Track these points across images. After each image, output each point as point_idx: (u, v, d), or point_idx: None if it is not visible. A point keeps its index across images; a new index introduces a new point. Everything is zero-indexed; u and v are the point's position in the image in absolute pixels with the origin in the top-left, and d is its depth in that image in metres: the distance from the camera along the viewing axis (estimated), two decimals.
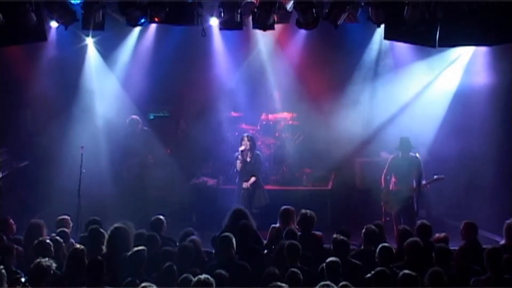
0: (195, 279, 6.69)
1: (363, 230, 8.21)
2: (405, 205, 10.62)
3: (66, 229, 8.90)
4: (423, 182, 10.57)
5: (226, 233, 7.92)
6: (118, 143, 12.43)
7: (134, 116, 12.25)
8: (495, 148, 12.06)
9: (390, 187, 10.80)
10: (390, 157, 10.89)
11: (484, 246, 7.94)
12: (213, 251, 8.56)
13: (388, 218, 10.83)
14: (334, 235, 7.90)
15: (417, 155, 10.42)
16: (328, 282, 6.49)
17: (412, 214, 10.54)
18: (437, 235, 8.30)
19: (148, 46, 13.08)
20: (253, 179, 11.36)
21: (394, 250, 7.61)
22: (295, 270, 6.97)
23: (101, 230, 8.65)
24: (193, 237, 8.22)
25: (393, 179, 10.78)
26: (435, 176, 10.68)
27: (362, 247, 8.18)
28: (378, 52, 12.38)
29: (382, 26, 9.21)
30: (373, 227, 8.29)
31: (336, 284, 6.50)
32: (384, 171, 10.90)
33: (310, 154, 12.91)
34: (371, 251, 7.75)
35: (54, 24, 9.91)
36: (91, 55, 13.13)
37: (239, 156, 11.38)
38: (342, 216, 12.08)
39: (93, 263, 7.22)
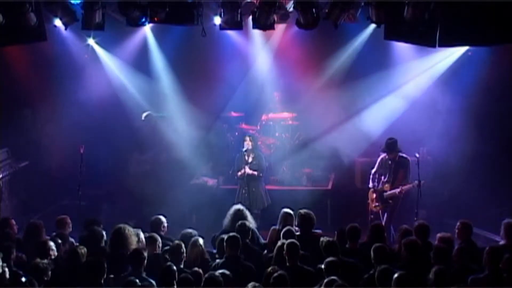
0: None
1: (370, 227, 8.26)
2: (388, 205, 10.67)
3: (66, 229, 8.90)
4: (397, 189, 10.55)
5: (233, 234, 7.94)
6: (129, 137, 12.44)
7: (149, 112, 12.20)
8: (495, 147, 12.07)
9: (379, 186, 10.82)
10: (380, 157, 10.92)
11: (483, 246, 7.95)
12: (213, 251, 8.57)
13: (372, 216, 10.89)
14: (321, 239, 7.92)
15: (417, 155, 10.40)
16: (334, 277, 6.52)
17: (391, 214, 10.62)
18: (442, 234, 8.25)
19: (148, 46, 13.08)
20: (247, 169, 11.28)
21: (387, 250, 7.60)
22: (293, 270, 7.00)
23: (100, 229, 8.67)
24: (196, 238, 8.19)
25: (382, 178, 10.81)
26: (415, 182, 10.44)
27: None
28: (377, 51, 12.37)
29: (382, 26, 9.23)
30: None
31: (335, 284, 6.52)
32: (373, 170, 10.94)
33: (310, 154, 12.93)
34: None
35: (58, 22, 9.79)
36: (91, 55, 13.15)
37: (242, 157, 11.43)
38: (342, 216, 12.07)
39: (92, 262, 7.22)
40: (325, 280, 6.61)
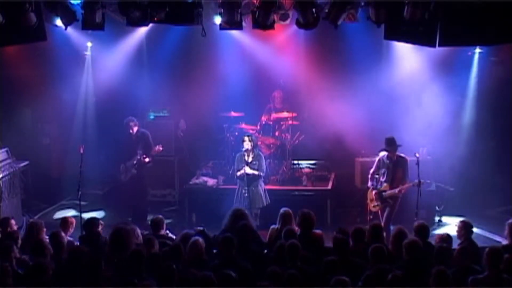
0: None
1: (352, 230, 8.22)
2: (387, 205, 10.65)
3: (68, 229, 8.89)
4: (397, 189, 10.55)
5: (228, 234, 7.93)
6: (117, 144, 12.41)
7: (131, 118, 12.13)
8: (495, 148, 12.07)
9: (378, 186, 10.82)
10: (378, 157, 10.92)
11: (482, 246, 7.96)
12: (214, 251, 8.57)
13: (371, 217, 10.88)
14: (335, 234, 7.93)
15: (417, 155, 10.40)
16: (344, 278, 6.52)
17: (390, 214, 10.59)
18: (439, 234, 8.27)
19: (148, 46, 13.08)
20: (247, 169, 11.31)
21: (385, 250, 7.59)
22: (294, 271, 6.98)
23: (99, 230, 8.67)
24: (196, 238, 8.19)
25: (381, 178, 10.81)
26: (415, 181, 10.41)
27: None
28: (377, 50, 12.37)
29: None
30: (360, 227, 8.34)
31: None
32: (372, 170, 10.93)
33: (310, 154, 12.91)
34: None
35: (59, 22, 9.74)
36: (91, 55, 13.16)
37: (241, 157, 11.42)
38: (342, 216, 12.11)
39: (91, 263, 7.21)
40: (333, 279, 6.60)
